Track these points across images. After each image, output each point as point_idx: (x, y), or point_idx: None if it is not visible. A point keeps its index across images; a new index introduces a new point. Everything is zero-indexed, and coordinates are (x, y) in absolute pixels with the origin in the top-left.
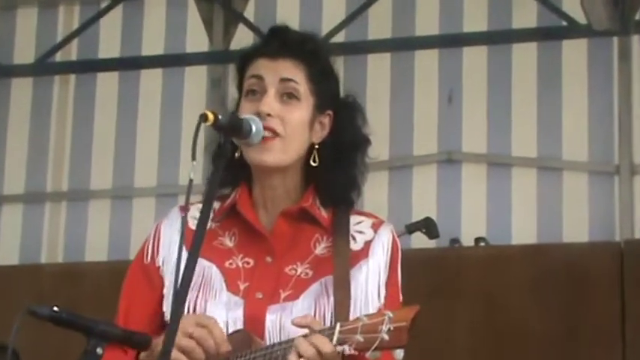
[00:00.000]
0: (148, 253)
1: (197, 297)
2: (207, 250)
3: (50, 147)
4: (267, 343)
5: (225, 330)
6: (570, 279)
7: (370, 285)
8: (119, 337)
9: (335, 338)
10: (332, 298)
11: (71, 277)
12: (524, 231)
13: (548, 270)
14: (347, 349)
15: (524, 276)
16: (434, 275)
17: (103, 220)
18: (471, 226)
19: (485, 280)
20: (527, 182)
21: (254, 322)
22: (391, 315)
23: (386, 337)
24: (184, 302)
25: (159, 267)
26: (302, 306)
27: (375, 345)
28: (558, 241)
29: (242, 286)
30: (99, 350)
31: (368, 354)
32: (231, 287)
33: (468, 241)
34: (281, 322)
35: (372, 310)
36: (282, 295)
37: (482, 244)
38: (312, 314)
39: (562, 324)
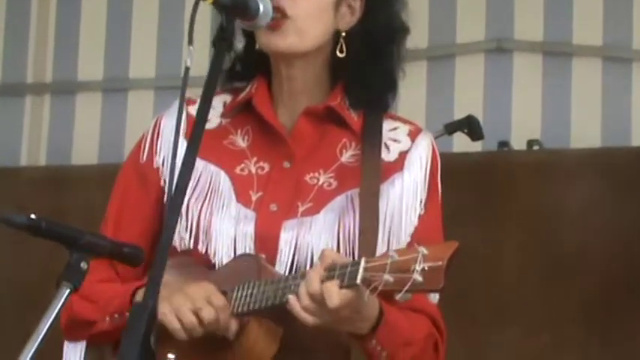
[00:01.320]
0: (144, 151)
1: (202, 209)
2: (215, 151)
3: (31, 31)
4: (279, 268)
5: (232, 248)
6: None
7: (405, 204)
8: (107, 250)
9: (359, 276)
10: (358, 217)
11: (55, 183)
12: (585, 133)
13: (614, 179)
14: (366, 295)
15: (585, 186)
16: (478, 184)
17: (92, 117)
18: (523, 127)
19: (539, 190)
20: (591, 75)
21: (266, 239)
22: (426, 252)
23: (419, 278)
24: (178, 213)
25: (157, 168)
26: (323, 222)
27: (407, 287)
28: (626, 144)
29: (254, 197)
30: (83, 265)
31: (398, 297)
32: (242, 197)
33: (519, 144)
34: (297, 240)
35: (405, 237)
36: (301, 209)
37: (535, 147)
38: (335, 233)
39: (629, 245)
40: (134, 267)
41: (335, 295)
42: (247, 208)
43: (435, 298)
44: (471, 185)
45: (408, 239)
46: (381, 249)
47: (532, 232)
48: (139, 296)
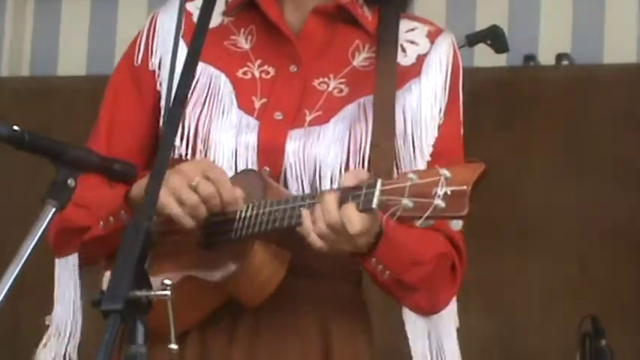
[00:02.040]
0: (139, 52)
1: (200, 115)
2: (215, 52)
3: None
4: (285, 184)
5: (232, 160)
6: None
7: (423, 114)
8: (95, 165)
9: (375, 200)
10: (371, 127)
11: (40, 95)
12: (620, 46)
13: None
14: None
15: (619, 105)
16: (502, 102)
17: (80, 22)
18: (552, 39)
19: (568, 109)
20: None
21: (270, 150)
22: (449, 175)
23: (441, 203)
24: (178, 120)
25: (154, 71)
26: (333, 133)
27: (427, 213)
28: None
29: (257, 103)
30: (70, 182)
31: (418, 223)
32: (244, 104)
33: (547, 58)
34: (305, 152)
35: (424, 150)
36: (308, 117)
37: (565, 62)
38: (345, 146)
39: None
40: (126, 185)
41: (356, 220)
42: (250, 116)
43: (457, 225)
44: (494, 103)
45: (428, 154)
46: (397, 165)
47: (559, 154)
48: (136, 191)
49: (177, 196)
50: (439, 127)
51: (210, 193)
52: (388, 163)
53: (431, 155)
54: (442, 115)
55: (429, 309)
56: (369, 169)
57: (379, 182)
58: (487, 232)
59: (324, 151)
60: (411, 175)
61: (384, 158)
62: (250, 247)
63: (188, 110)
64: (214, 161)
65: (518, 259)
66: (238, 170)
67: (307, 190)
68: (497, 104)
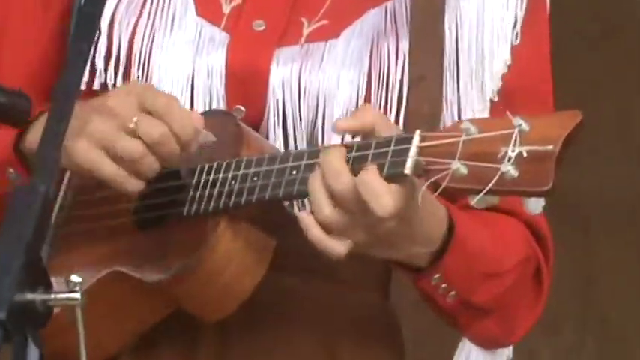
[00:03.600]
0: None
1: (136, 25)
2: None
3: None
4: (271, 135)
5: (186, 93)
6: None
7: (487, 29)
8: None
9: (410, 162)
10: (407, 47)
11: None
12: None
13: None
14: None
15: None
16: (602, 11)
17: None
18: None
19: None
20: None
21: (246, 79)
22: (525, 127)
23: (512, 171)
24: (96, 25)
25: None
26: (345, 53)
27: (490, 185)
28: None
29: (226, 7)
30: None
31: (474, 201)
32: (205, 8)
33: None
34: (300, 82)
35: (488, 88)
36: (307, 29)
37: None
38: (365, 74)
39: None
40: (16, 127)
41: (383, 191)
42: (214, 26)
43: (536, 206)
44: (594, 15)
45: (494, 92)
46: (445, 112)
47: None
48: (32, 137)
49: (109, 147)
50: (512, 50)
51: (159, 134)
52: (433, 105)
53: (498, 94)
54: (518, 31)
55: (500, 338)
56: (402, 114)
57: (417, 134)
58: (573, 210)
59: (331, 82)
60: (467, 126)
61: (426, 98)
62: (212, 229)
63: (116, 19)
64: None
65: (612, 242)
66: (196, 111)
67: (303, 145)
68: (596, 17)
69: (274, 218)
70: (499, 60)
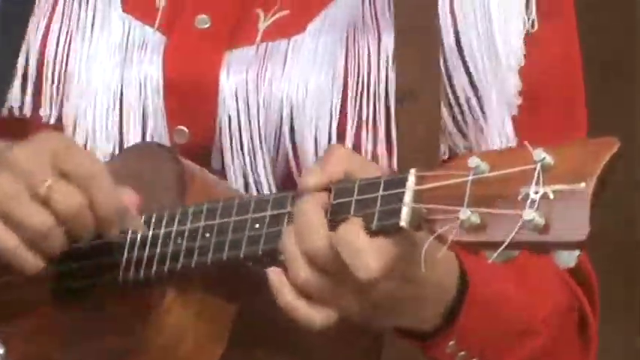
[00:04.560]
0: None
1: (48, 27)
2: None
3: None
4: (223, 164)
5: (113, 115)
6: None
7: (494, 17)
8: None
9: (406, 212)
10: (388, 43)
11: None
12: None
13: None
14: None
15: None
16: None
17: None
18: None
19: None
20: None
21: (191, 91)
22: (550, 160)
23: (536, 218)
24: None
25: None
26: (312, 52)
27: (510, 238)
28: None
29: (160, 2)
30: None
31: (491, 258)
32: (132, 3)
33: None
34: (259, 93)
35: (489, 101)
36: (263, 23)
37: None
38: (339, 81)
39: None
40: None
41: (366, 249)
42: (146, 25)
43: (568, 259)
44: None
45: (507, 103)
46: (447, 137)
47: None
48: None
49: (9, 212)
50: (526, 41)
51: (73, 205)
52: (431, 129)
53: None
54: (533, 17)
55: None
56: (388, 140)
57: (412, 174)
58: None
59: (297, 91)
60: (476, 162)
61: (421, 119)
62: (157, 300)
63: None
64: (76, 121)
65: None
66: (126, 141)
67: (265, 175)
68: None
69: (234, 278)
70: (512, 60)
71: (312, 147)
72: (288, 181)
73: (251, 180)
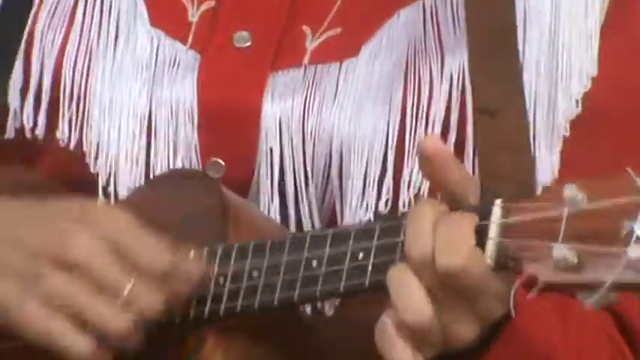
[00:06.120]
0: None
1: (64, 47)
2: None
3: None
4: (271, 204)
5: (140, 141)
6: None
7: (562, 27)
8: None
9: (491, 249)
10: (456, 63)
11: None
12: None
13: None
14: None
15: None
16: None
17: None
18: None
19: None
20: None
21: (229, 119)
22: None
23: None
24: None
25: None
26: (367, 77)
27: (612, 278)
28: None
29: (194, 14)
30: None
31: (588, 302)
32: (163, 15)
33: None
34: (306, 123)
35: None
36: (312, 43)
37: None
38: (397, 106)
39: None
40: None
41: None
42: (178, 42)
43: None
44: None
45: (565, 126)
46: (538, 165)
47: None
48: None
49: (81, 316)
50: (600, 56)
51: (157, 308)
52: (516, 154)
53: (573, 125)
54: (600, 25)
55: None
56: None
57: (498, 205)
58: None
59: (350, 122)
60: (572, 191)
61: (504, 142)
62: (196, 347)
63: (38, 30)
64: (98, 149)
65: None
66: (153, 171)
67: (312, 215)
68: None
69: (280, 323)
70: (578, 84)
71: (360, 185)
72: (332, 223)
73: (292, 221)
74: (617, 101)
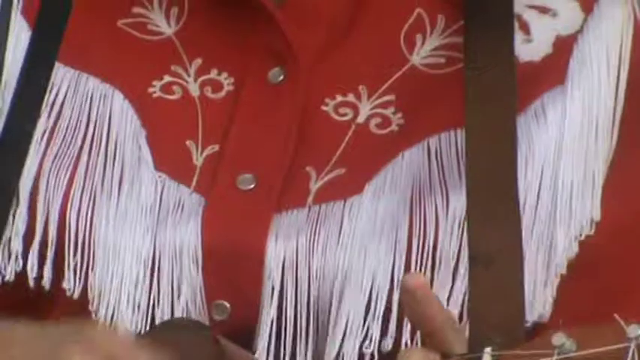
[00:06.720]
0: None
1: (69, 191)
2: (100, 47)
3: None
4: (268, 342)
5: (143, 289)
6: None
7: (565, 170)
8: None
9: None
10: (458, 205)
11: None
12: None
13: None
14: None
15: None
16: None
17: None
18: None
19: None
20: None
21: (234, 262)
22: None
23: None
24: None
25: None
26: (371, 216)
27: None
28: None
29: (198, 157)
30: None
31: None
32: (167, 158)
33: None
34: (312, 264)
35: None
36: (315, 183)
37: None
38: (401, 248)
39: None
40: None
41: None
42: (182, 185)
43: None
44: None
45: (561, 268)
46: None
47: None
48: None
49: None
50: (604, 194)
51: None
52: (509, 301)
53: (570, 267)
54: (610, 166)
55: None
56: (460, 316)
57: (487, 355)
58: None
59: (354, 262)
60: (561, 340)
61: (497, 289)
62: None
63: (43, 175)
64: (100, 297)
65: None
66: (156, 316)
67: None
68: None
69: None
70: (583, 218)
71: (360, 319)
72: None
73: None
74: (618, 244)
